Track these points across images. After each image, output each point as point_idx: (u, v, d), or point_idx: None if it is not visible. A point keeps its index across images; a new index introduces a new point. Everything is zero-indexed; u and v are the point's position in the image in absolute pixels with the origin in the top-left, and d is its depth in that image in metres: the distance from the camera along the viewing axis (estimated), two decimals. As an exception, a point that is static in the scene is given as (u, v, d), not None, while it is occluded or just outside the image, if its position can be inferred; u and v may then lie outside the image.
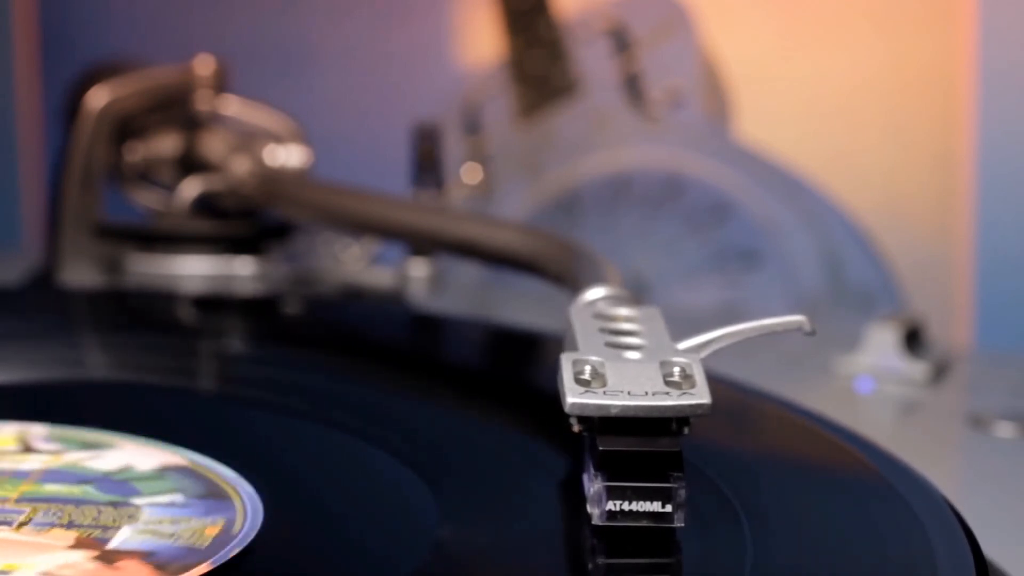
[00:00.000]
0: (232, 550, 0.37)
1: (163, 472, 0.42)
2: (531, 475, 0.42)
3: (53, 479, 0.42)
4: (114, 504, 0.40)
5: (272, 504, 0.40)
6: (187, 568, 0.36)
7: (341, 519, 0.40)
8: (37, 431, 0.45)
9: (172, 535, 0.38)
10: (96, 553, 0.37)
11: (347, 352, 0.58)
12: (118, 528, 0.38)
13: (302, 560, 0.37)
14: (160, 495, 0.41)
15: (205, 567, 0.36)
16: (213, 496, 0.41)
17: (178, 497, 0.40)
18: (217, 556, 0.36)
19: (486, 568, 0.37)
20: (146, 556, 0.37)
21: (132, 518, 0.39)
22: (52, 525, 0.39)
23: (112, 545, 0.37)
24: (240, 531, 0.38)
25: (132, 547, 0.37)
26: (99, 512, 0.39)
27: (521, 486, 0.42)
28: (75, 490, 0.41)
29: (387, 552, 0.38)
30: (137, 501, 0.40)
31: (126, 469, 0.43)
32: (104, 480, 0.42)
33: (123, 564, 0.36)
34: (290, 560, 0.37)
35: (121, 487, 0.41)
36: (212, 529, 0.38)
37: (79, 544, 0.37)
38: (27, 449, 0.44)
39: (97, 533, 0.38)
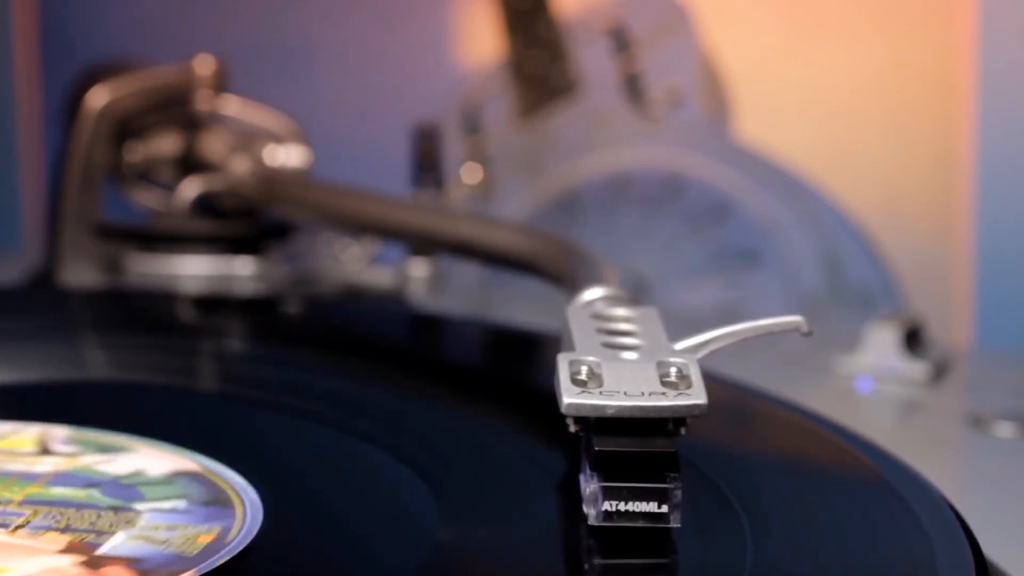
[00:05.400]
0: (220, 559, 0.36)
1: (173, 477, 0.42)
2: (530, 475, 0.42)
3: (62, 482, 0.42)
4: (115, 509, 0.40)
5: (272, 504, 0.40)
6: (173, 573, 0.36)
7: (340, 518, 0.40)
8: (58, 433, 0.45)
9: (164, 542, 0.38)
10: (84, 558, 0.37)
11: (347, 352, 0.58)
12: (113, 533, 0.38)
13: (301, 561, 0.37)
14: (164, 501, 0.40)
15: (190, 575, 0.36)
16: (216, 503, 0.40)
17: (181, 503, 0.40)
18: (203, 564, 0.36)
19: (484, 568, 0.37)
20: (133, 562, 0.36)
21: (129, 523, 0.39)
22: (48, 528, 0.38)
23: (102, 551, 0.37)
24: (234, 539, 0.38)
25: (121, 553, 0.37)
26: (98, 516, 0.39)
27: (520, 486, 0.42)
28: (80, 494, 0.41)
29: (387, 552, 0.38)
30: (139, 506, 0.40)
31: (137, 474, 0.42)
32: (112, 484, 0.42)
33: (107, 570, 0.36)
34: (290, 559, 0.37)
35: (127, 491, 0.41)
36: (206, 537, 0.38)
37: (69, 549, 0.37)
38: (44, 451, 0.44)
39: (91, 538, 0.38)
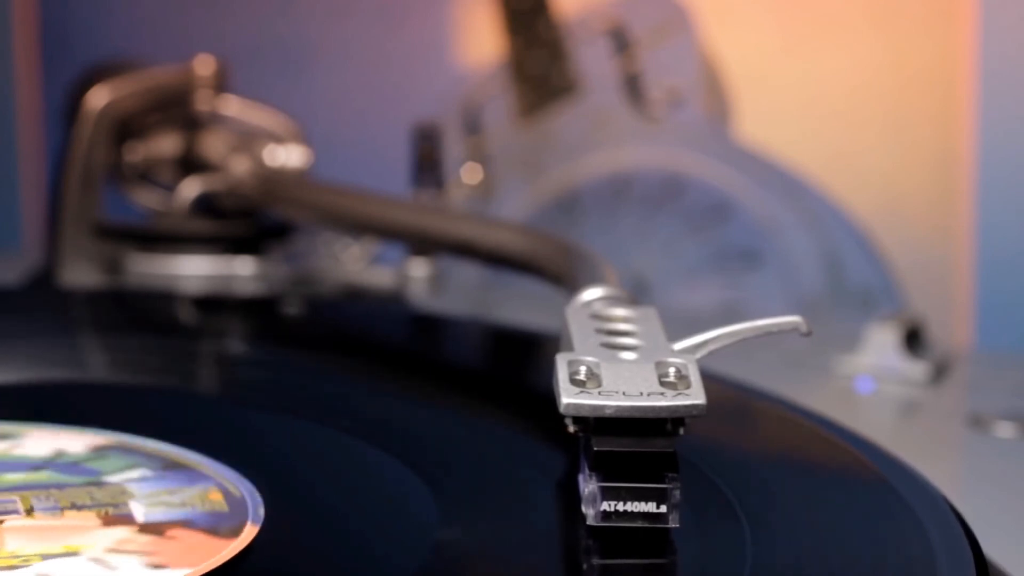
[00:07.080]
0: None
1: (101, 452, 0.42)
2: (529, 475, 0.42)
3: (2, 469, 0.41)
4: (94, 484, 0.40)
5: (271, 504, 0.40)
6: (237, 530, 0.36)
7: (340, 519, 0.40)
8: None
9: (183, 503, 0.38)
10: (136, 528, 0.37)
11: (347, 352, 0.58)
12: (126, 503, 0.38)
13: (301, 561, 0.37)
14: (126, 471, 0.40)
15: (250, 528, 0.36)
16: (177, 467, 0.41)
17: (148, 472, 0.40)
18: (248, 516, 0.36)
19: (484, 568, 0.37)
20: (187, 524, 0.37)
21: (127, 494, 0.39)
22: (60, 509, 0.38)
23: (142, 519, 0.37)
24: (241, 495, 0.38)
25: (163, 518, 0.37)
26: (90, 493, 0.39)
27: (519, 486, 0.42)
28: (41, 476, 0.40)
29: (386, 552, 0.38)
30: (112, 479, 0.40)
31: (61, 454, 0.42)
32: (56, 464, 0.41)
33: (173, 533, 0.36)
34: (290, 559, 0.37)
35: (79, 469, 0.41)
36: (214, 494, 0.38)
37: (109, 522, 0.37)
38: None
39: (112, 511, 0.38)
